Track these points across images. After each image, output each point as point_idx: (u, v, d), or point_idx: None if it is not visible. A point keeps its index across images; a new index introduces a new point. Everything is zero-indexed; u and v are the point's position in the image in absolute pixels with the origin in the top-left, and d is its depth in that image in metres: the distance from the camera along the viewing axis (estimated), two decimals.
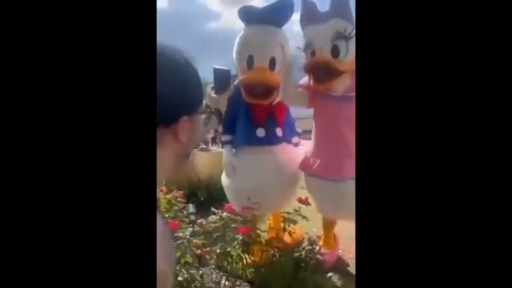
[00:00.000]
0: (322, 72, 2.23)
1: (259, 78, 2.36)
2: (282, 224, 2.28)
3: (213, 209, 2.35)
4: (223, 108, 2.50)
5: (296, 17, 2.56)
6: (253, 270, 2.24)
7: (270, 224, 2.78)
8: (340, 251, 2.65)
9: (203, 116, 0.60)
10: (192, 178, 3.83)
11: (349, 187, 2.08)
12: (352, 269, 2.48)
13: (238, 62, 2.50)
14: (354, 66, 2.15)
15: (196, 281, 1.93)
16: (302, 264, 2.13)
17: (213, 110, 2.53)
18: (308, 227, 2.40)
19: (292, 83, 2.36)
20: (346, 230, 2.55)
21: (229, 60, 2.62)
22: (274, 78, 2.37)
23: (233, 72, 2.54)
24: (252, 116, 2.50)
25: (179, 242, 1.96)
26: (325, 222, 2.61)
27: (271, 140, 2.50)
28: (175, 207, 2.33)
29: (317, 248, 2.20)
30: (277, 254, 2.18)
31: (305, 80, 2.43)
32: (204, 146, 4.76)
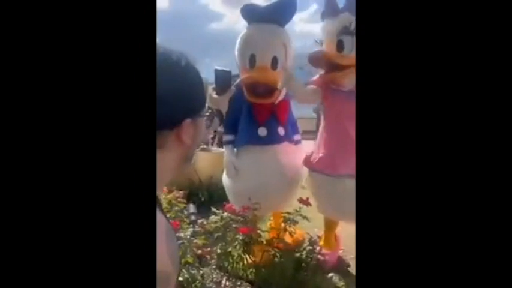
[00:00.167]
0: (322, 65, 2.26)
1: (262, 78, 2.35)
2: (282, 224, 2.27)
3: (213, 209, 2.35)
4: (224, 108, 2.50)
5: (297, 17, 2.55)
6: (254, 270, 2.24)
7: (270, 224, 2.77)
8: (341, 251, 2.64)
9: (205, 118, 0.60)
10: (193, 178, 3.83)
11: (351, 185, 2.07)
12: (353, 269, 2.47)
13: (240, 61, 2.49)
14: None
15: (197, 281, 1.94)
16: (303, 264, 2.13)
17: (214, 110, 2.52)
18: (309, 227, 2.40)
19: (299, 82, 2.35)
20: (347, 230, 2.54)
21: (231, 61, 2.61)
22: (276, 77, 2.35)
23: (234, 71, 2.53)
24: (254, 115, 2.49)
25: (180, 242, 1.96)
26: (327, 222, 2.60)
27: (273, 139, 2.49)
28: (176, 208, 2.32)
29: (318, 248, 2.19)
30: (278, 254, 2.17)
31: (317, 76, 2.43)
32: (205, 146, 4.75)
